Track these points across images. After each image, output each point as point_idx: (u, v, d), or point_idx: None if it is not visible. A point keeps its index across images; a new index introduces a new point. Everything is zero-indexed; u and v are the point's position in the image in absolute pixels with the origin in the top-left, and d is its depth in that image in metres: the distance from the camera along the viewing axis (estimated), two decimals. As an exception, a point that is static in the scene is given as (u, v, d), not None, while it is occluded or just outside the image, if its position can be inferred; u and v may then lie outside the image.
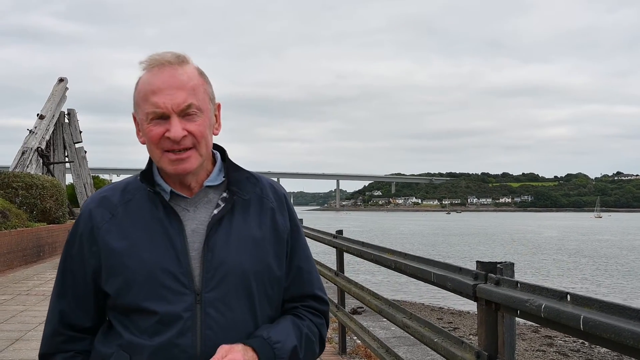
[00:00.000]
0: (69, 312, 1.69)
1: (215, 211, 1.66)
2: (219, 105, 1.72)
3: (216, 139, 1.74)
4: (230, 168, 1.74)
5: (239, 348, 1.54)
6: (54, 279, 1.77)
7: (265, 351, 1.57)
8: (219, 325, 1.58)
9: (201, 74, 1.66)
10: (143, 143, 1.65)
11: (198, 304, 1.57)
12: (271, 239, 1.69)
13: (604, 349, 11.44)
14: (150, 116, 1.58)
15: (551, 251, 40.27)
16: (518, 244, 47.34)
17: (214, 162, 1.73)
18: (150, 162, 1.69)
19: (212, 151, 1.72)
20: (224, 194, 1.69)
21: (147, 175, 1.68)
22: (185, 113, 1.58)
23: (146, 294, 1.56)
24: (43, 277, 13.56)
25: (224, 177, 1.72)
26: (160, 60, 1.60)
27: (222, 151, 1.77)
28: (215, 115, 1.70)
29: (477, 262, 3.16)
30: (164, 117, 1.58)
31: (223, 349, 1.52)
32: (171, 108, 1.57)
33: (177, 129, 1.56)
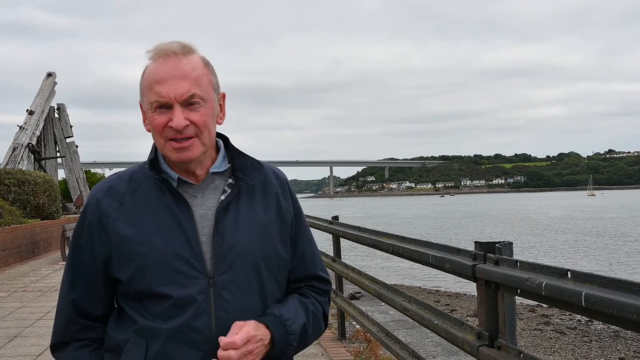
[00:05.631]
0: (81, 300, 1.70)
1: (222, 197, 1.69)
2: (223, 95, 1.75)
3: None
4: (235, 155, 1.77)
5: (251, 323, 1.60)
6: (63, 271, 1.77)
7: (278, 328, 1.64)
8: (232, 307, 1.62)
9: (206, 64, 1.69)
10: (149, 131, 1.68)
11: (211, 287, 1.61)
12: (277, 223, 1.74)
13: (600, 325, 11.54)
14: (155, 105, 1.61)
15: (566, 232, 39.32)
16: (527, 225, 46.85)
17: (218, 149, 1.76)
18: (155, 150, 1.71)
19: (216, 139, 1.75)
20: (230, 180, 1.73)
21: (154, 163, 1.70)
22: (188, 103, 1.61)
23: (160, 279, 1.60)
24: (39, 274, 13.53)
25: (228, 163, 1.75)
26: (166, 50, 1.63)
27: (225, 139, 1.79)
28: (220, 105, 1.73)
29: (476, 242, 3.14)
30: (167, 107, 1.60)
31: (237, 325, 1.58)
32: (174, 98, 1.59)
33: (179, 118, 1.59)
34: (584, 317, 11.69)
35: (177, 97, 1.59)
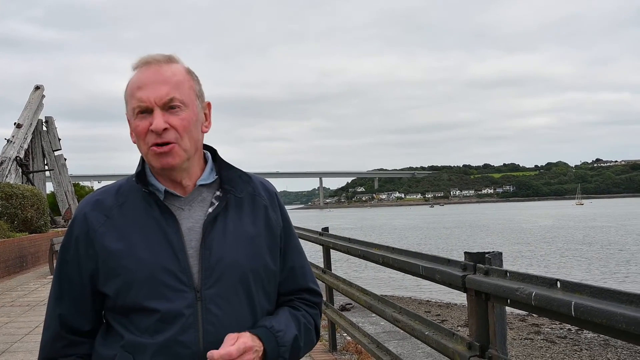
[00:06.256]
0: (68, 316, 1.68)
1: (210, 209, 1.68)
2: (209, 104, 1.74)
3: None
4: (222, 167, 1.76)
5: (247, 335, 1.59)
6: (50, 285, 1.76)
7: (269, 340, 1.63)
8: (220, 321, 1.60)
9: (189, 72, 1.70)
10: (135, 142, 1.67)
11: (199, 300, 1.59)
12: (265, 236, 1.73)
13: (590, 334, 11.56)
14: (136, 110, 1.62)
15: (556, 241, 38.96)
16: (517, 235, 46.61)
17: (206, 161, 1.75)
18: (142, 163, 1.71)
19: (203, 151, 1.74)
20: (218, 193, 1.72)
21: (140, 175, 1.69)
22: (168, 106, 1.60)
23: (146, 293, 1.58)
24: (27, 288, 13.40)
25: (216, 175, 1.74)
26: (148, 59, 1.65)
27: (213, 151, 1.79)
28: (205, 114, 1.72)
29: (465, 252, 3.16)
30: (148, 111, 1.60)
31: (230, 337, 1.56)
32: (154, 101, 1.60)
33: (159, 120, 1.59)
34: (574, 326, 11.72)
35: (157, 101, 1.59)
